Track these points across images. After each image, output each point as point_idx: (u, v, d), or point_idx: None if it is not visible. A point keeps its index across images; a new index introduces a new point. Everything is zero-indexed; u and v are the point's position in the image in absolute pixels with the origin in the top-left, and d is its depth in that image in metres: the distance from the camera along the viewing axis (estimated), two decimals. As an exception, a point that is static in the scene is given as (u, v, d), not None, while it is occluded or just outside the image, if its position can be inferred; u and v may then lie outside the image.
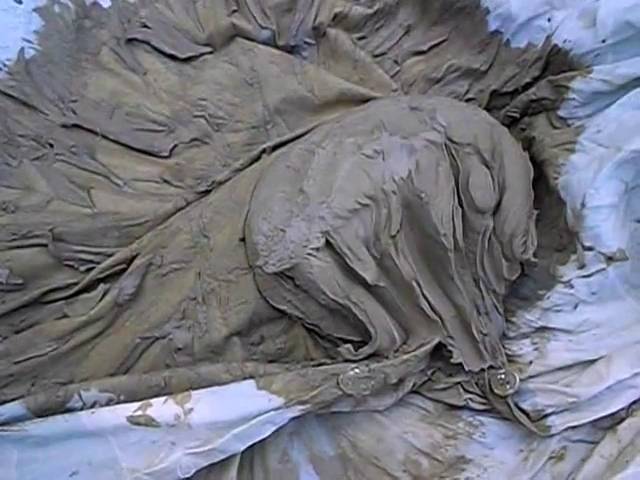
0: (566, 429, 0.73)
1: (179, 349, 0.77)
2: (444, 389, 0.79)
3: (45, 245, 0.78)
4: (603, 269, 0.73)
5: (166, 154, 0.86)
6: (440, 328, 0.76)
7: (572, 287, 0.75)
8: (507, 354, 0.78)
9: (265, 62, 0.88)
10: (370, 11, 0.90)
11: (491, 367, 0.76)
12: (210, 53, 0.89)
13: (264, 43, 0.90)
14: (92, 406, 0.70)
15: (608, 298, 0.74)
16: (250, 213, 0.79)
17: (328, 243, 0.74)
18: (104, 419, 0.67)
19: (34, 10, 0.84)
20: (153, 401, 0.68)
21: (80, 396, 0.70)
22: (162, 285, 0.79)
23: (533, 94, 0.82)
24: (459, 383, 0.78)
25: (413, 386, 0.77)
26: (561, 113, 0.80)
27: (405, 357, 0.74)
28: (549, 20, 0.82)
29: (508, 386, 0.75)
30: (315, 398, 0.70)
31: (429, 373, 0.78)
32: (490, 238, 0.76)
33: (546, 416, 0.74)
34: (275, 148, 0.86)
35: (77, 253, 0.79)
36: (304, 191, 0.76)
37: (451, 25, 0.89)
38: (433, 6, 0.88)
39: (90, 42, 0.87)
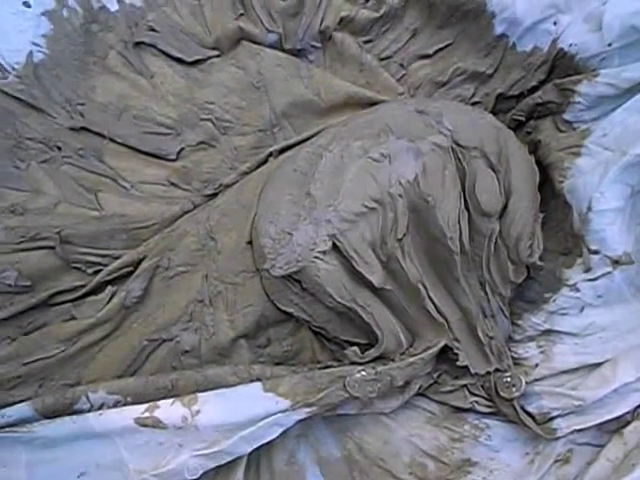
0: (572, 432, 0.73)
1: (186, 351, 0.77)
2: (450, 392, 0.78)
3: (53, 247, 0.78)
4: (609, 272, 0.73)
5: (173, 157, 0.86)
6: (446, 331, 0.76)
7: (578, 290, 0.75)
8: (513, 357, 0.78)
9: (272, 65, 0.88)
10: (376, 15, 0.90)
11: (497, 370, 0.76)
12: (217, 56, 0.89)
13: (271, 47, 0.90)
14: (99, 408, 0.70)
15: (614, 301, 0.74)
16: (257, 216, 0.79)
17: (335, 246, 0.74)
18: (111, 421, 0.67)
19: (42, 14, 0.84)
20: (160, 403, 0.68)
21: (87, 398, 0.70)
22: (169, 287, 0.79)
23: (539, 98, 0.82)
24: (465, 386, 0.78)
25: (419, 389, 0.77)
26: (567, 117, 0.80)
27: (411, 360, 0.74)
28: (555, 24, 0.82)
29: (514, 389, 0.75)
30: (321, 400, 0.70)
31: (435, 376, 0.78)
32: (496, 241, 0.76)
33: (552, 419, 0.74)
34: (282, 151, 0.86)
35: (84, 255, 0.80)
36: (311, 194, 0.76)
37: (457, 29, 0.89)
38: (439, 10, 0.88)
39: (98, 46, 0.87)
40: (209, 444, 0.67)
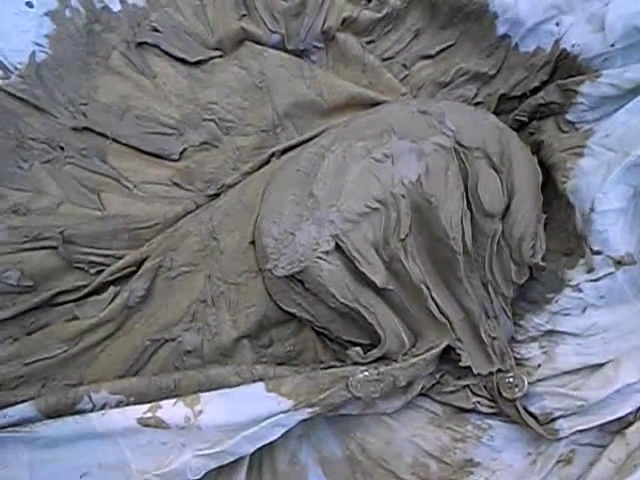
0: (574, 433, 0.73)
1: (188, 351, 0.77)
2: (452, 392, 0.78)
3: (55, 247, 0.78)
4: (611, 273, 0.73)
5: (176, 157, 0.86)
6: (449, 331, 0.76)
7: (580, 291, 0.75)
8: (515, 357, 0.78)
9: (274, 66, 0.89)
10: (379, 15, 0.90)
11: (499, 370, 0.76)
12: (220, 57, 0.90)
13: (273, 47, 0.91)
14: (102, 408, 0.70)
15: (616, 302, 0.74)
16: (260, 216, 0.79)
17: (338, 246, 0.75)
18: (114, 421, 0.67)
19: (45, 14, 0.85)
20: (163, 403, 0.68)
21: (90, 398, 0.70)
22: (172, 288, 0.80)
23: (541, 98, 0.82)
24: (467, 386, 0.78)
25: (422, 389, 0.77)
26: (569, 117, 0.80)
27: (414, 360, 0.74)
28: (557, 24, 0.82)
29: (516, 389, 0.75)
30: (324, 401, 0.70)
31: (438, 376, 0.78)
32: (499, 242, 0.76)
33: (554, 419, 0.74)
34: (284, 152, 0.86)
35: (87, 255, 0.80)
36: (314, 195, 0.76)
37: (459, 29, 0.89)
38: (441, 10, 0.88)
39: (100, 46, 0.87)
40: (212, 444, 0.67)
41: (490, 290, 0.77)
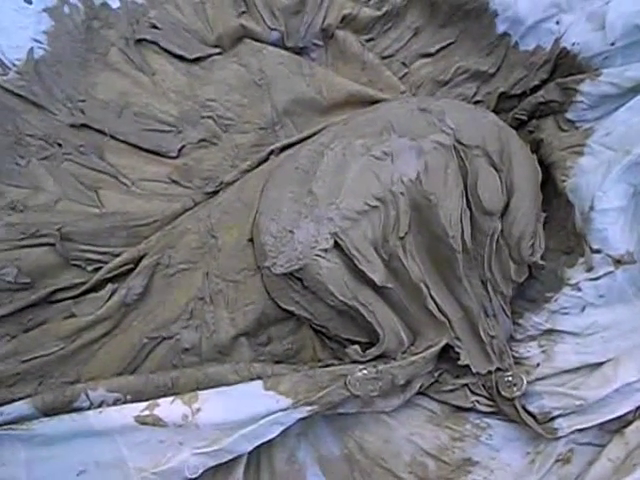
0: (573, 432, 0.73)
1: (186, 349, 0.77)
2: (451, 391, 0.78)
3: (53, 244, 0.78)
4: (611, 272, 0.73)
5: (174, 154, 0.86)
6: (447, 330, 0.76)
7: (580, 290, 0.75)
8: (514, 356, 0.78)
9: (274, 63, 0.88)
10: (378, 13, 0.90)
11: (498, 369, 0.76)
12: (219, 54, 0.89)
13: (273, 44, 0.90)
14: (99, 406, 0.70)
15: (616, 301, 0.74)
16: (258, 214, 0.79)
17: (337, 244, 0.74)
18: (111, 419, 0.67)
19: (44, 10, 0.84)
20: (160, 401, 0.68)
21: (87, 396, 0.70)
22: (170, 285, 0.79)
23: (541, 97, 0.82)
24: (466, 385, 0.78)
25: (420, 388, 0.77)
26: (569, 116, 0.80)
27: (412, 359, 0.74)
28: (557, 23, 0.82)
29: (515, 388, 0.75)
30: (322, 399, 0.70)
31: (436, 375, 0.78)
32: (498, 240, 0.76)
33: (553, 419, 0.74)
34: (283, 149, 0.86)
35: (85, 253, 0.79)
36: (313, 192, 0.76)
37: (459, 27, 0.89)
38: (441, 8, 0.88)
39: (99, 42, 0.87)
40: (209, 442, 0.67)
41: (489, 289, 0.77)
